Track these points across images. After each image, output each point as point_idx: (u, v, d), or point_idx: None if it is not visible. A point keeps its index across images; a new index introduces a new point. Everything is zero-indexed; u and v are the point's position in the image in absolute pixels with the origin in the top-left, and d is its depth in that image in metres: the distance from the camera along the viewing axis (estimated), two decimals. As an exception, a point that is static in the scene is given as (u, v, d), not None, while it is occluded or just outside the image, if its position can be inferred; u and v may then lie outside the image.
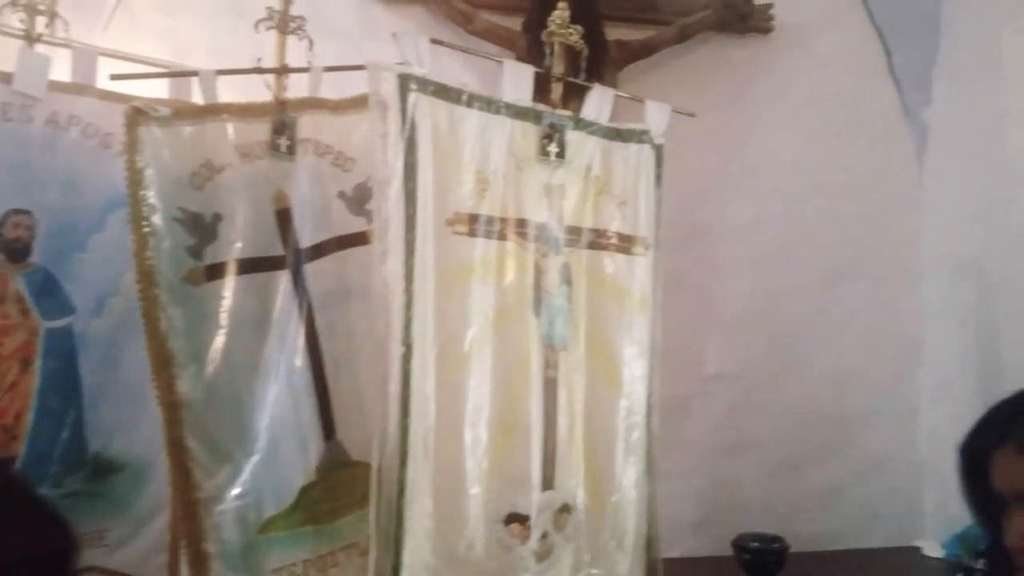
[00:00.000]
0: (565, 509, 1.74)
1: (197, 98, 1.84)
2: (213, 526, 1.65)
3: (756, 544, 2.32)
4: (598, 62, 2.43)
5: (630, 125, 1.93)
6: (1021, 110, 2.45)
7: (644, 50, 2.59)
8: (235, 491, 1.67)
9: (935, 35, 2.72)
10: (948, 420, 2.54)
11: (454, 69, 2.05)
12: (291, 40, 1.84)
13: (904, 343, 2.77)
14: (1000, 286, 2.44)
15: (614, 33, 2.54)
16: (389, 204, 1.51)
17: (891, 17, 2.72)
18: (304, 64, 1.84)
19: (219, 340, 1.70)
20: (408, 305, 1.50)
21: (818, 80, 2.72)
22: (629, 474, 1.84)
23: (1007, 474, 0.93)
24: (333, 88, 1.87)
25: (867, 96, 2.75)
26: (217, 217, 1.74)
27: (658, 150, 1.95)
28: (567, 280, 1.79)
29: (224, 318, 1.70)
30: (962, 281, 2.58)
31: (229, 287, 1.72)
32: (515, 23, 2.48)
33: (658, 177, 1.94)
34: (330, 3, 2.44)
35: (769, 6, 2.66)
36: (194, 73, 1.86)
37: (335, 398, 1.78)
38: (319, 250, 1.80)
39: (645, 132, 1.94)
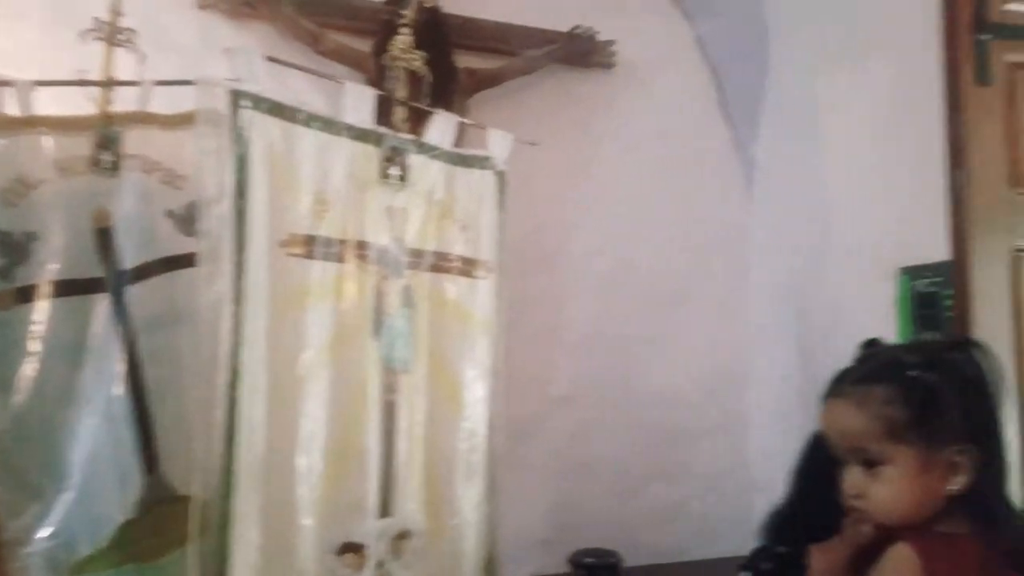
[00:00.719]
0: (404, 535, 1.72)
1: (14, 110, 1.71)
2: (19, 570, 1.53)
3: (591, 559, 2.39)
4: (448, 88, 2.48)
5: (473, 151, 1.97)
6: (839, 147, 2.68)
7: (492, 79, 2.65)
8: (44, 531, 1.56)
9: (763, 74, 2.94)
10: (775, 436, 2.72)
11: (302, 90, 2.01)
12: (129, 55, 1.75)
13: (734, 365, 2.95)
14: (817, 312, 2.65)
15: (464, 61, 2.58)
16: (217, 223, 1.47)
17: (723, 57, 2.92)
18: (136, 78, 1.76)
19: (29, 368, 1.58)
20: (236, 329, 1.45)
21: (656, 115, 2.87)
22: (470, 496, 1.85)
23: (827, 418, 1.10)
24: (171, 104, 1.79)
25: (701, 131, 2.93)
26: (30, 236, 1.63)
27: (500, 176, 2.00)
28: (409, 303, 1.79)
29: (35, 344, 1.59)
30: (783, 307, 2.78)
31: (42, 311, 1.61)
32: (365, 45, 2.48)
33: (500, 203, 1.99)
34: (172, 17, 2.35)
35: (611, 43, 2.79)
36: (8, 83, 1.73)
37: (160, 429, 1.68)
38: (144, 271, 1.70)
39: (487, 159, 1.98)
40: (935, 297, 2.08)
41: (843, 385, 1.08)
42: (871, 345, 1.15)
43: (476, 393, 1.88)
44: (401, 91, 1.88)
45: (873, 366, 1.09)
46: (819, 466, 1.16)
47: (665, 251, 2.87)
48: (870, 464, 1.02)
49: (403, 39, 1.90)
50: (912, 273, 2.22)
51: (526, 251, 2.45)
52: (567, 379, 2.77)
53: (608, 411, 2.78)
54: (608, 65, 2.80)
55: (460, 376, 1.87)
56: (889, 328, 2.35)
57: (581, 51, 2.74)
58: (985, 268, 1.82)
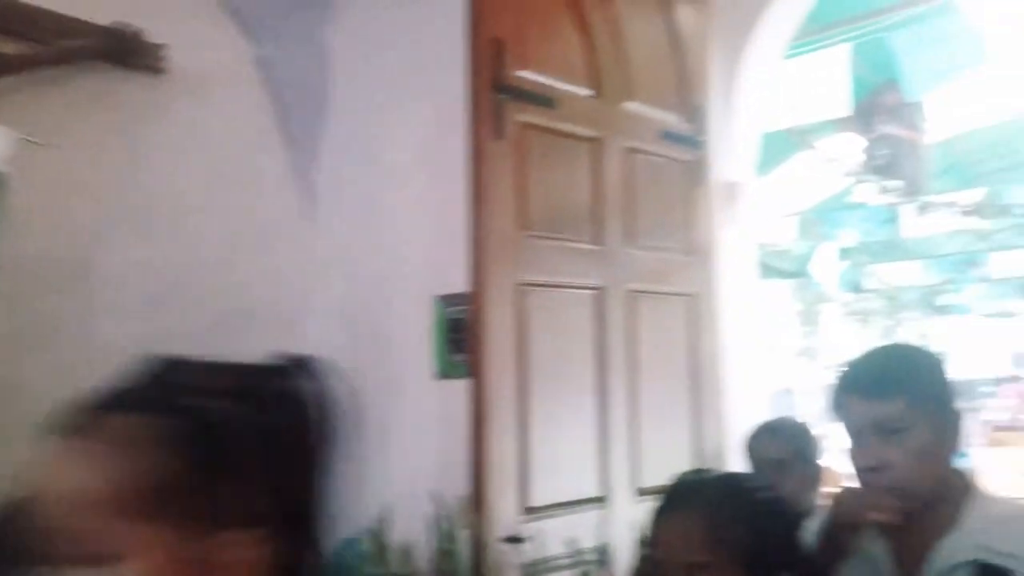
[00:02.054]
0: None
1: None
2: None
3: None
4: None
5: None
6: (392, 181, 2.85)
7: (15, 66, 2.29)
8: None
9: (325, 102, 3.01)
10: (339, 463, 2.77)
11: None
12: None
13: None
14: (371, 337, 2.78)
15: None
16: None
17: (283, 80, 2.92)
18: None
19: None
20: None
21: (211, 128, 2.75)
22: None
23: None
24: None
25: (259, 151, 2.89)
26: None
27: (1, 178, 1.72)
28: None
29: None
30: (342, 331, 2.87)
31: None
32: None
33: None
34: None
35: (162, 47, 2.60)
36: None
37: None
38: None
39: (-16, 160, 1.69)
40: (462, 323, 2.32)
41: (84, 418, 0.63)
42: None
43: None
44: None
45: (138, 388, 0.66)
46: None
47: (222, 270, 2.76)
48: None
49: None
50: (445, 301, 2.46)
51: (55, 265, 2.16)
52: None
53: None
54: (158, 70, 2.60)
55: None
56: (428, 350, 2.57)
57: (124, 50, 2.50)
58: (496, 299, 2.07)
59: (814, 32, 3.91)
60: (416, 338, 2.61)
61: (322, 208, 3.01)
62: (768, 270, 9.41)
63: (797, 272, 9.59)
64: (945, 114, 6.13)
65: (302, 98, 2.92)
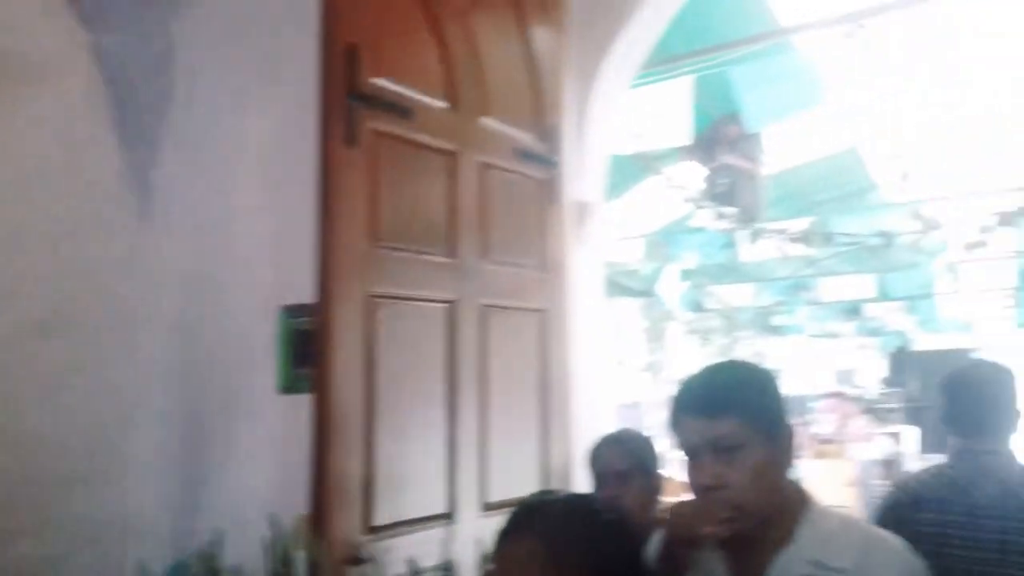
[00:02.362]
0: None
1: None
2: None
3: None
4: None
5: None
6: (237, 186, 2.72)
7: None
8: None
9: (168, 101, 2.83)
10: (161, 481, 2.59)
11: None
12: None
13: (119, 402, 2.72)
14: (208, 347, 2.63)
15: None
16: None
17: (124, 72, 2.72)
18: None
19: None
20: None
21: (36, 118, 2.51)
22: None
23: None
24: None
25: (90, 147, 2.66)
26: None
27: None
28: None
29: None
30: (174, 340, 2.69)
31: None
32: None
33: None
34: None
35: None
36: None
37: None
38: None
39: None
40: (307, 336, 2.23)
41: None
42: None
43: None
44: None
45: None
46: None
47: (40, 273, 2.51)
48: None
49: None
50: (290, 312, 2.36)
51: None
52: None
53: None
54: (-27, 51, 2.36)
55: None
56: (271, 362, 2.46)
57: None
58: (344, 311, 2.01)
59: (661, 63, 4.10)
60: (260, 351, 2.49)
61: (160, 211, 2.81)
62: (617, 288, 9.77)
63: (644, 291, 10.02)
64: (781, 147, 6.62)
65: (143, 93, 2.73)
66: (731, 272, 10.58)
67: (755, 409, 1.31)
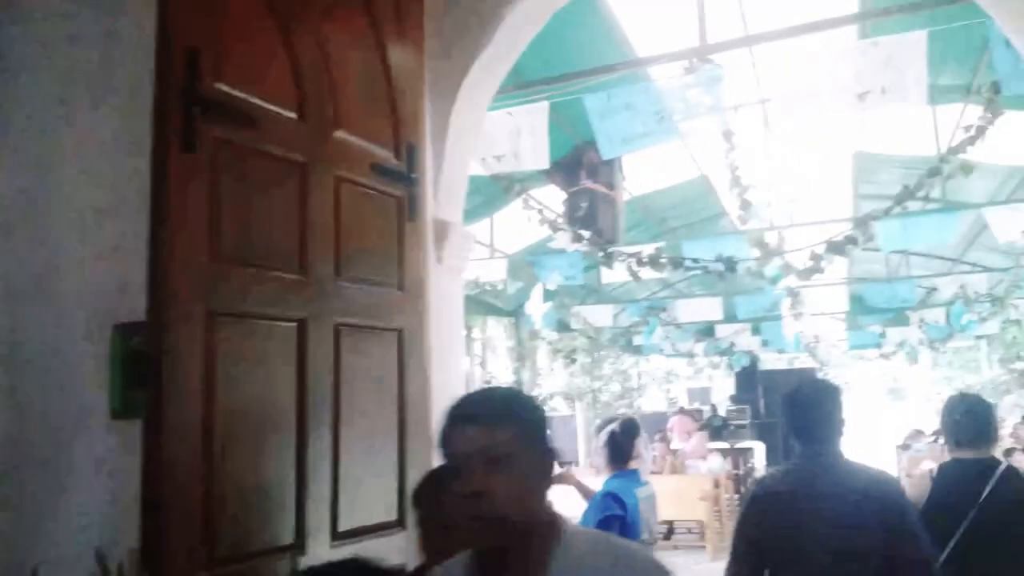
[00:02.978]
0: None
1: None
2: None
3: None
4: None
5: None
6: (69, 195, 2.50)
7: None
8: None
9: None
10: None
11: None
12: None
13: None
14: (33, 372, 2.39)
15: None
16: None
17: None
18: None
19: None
20: None
21: None
22: None
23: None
24: None
25: None
26: None
27: None
28: None
29: None
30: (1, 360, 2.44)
31: None
32: None
33: None
34: None
35: None
36: None
37: None
38: None
39: None
40: (144, 355, 2.07)
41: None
42: None
43: None
44: None
45: None
46: None
47: None
48: None
49: None
50: (124, 330, 2.19)
51: None
52: None
53: None
54: None
55: None
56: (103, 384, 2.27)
57: None
58: (182, 329, 1.88)
59: (520, 86, 4.19)
60: (93, 371, 2.29)
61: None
62: (484, 308, 9.84)
63: (511, 311, 10.13)
64: (640, 173, 6.91)
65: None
66: (593, 293, 10.90)
67: (527, 425, 1.38)
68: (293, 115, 2.24)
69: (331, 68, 2.39)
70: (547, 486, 1.41)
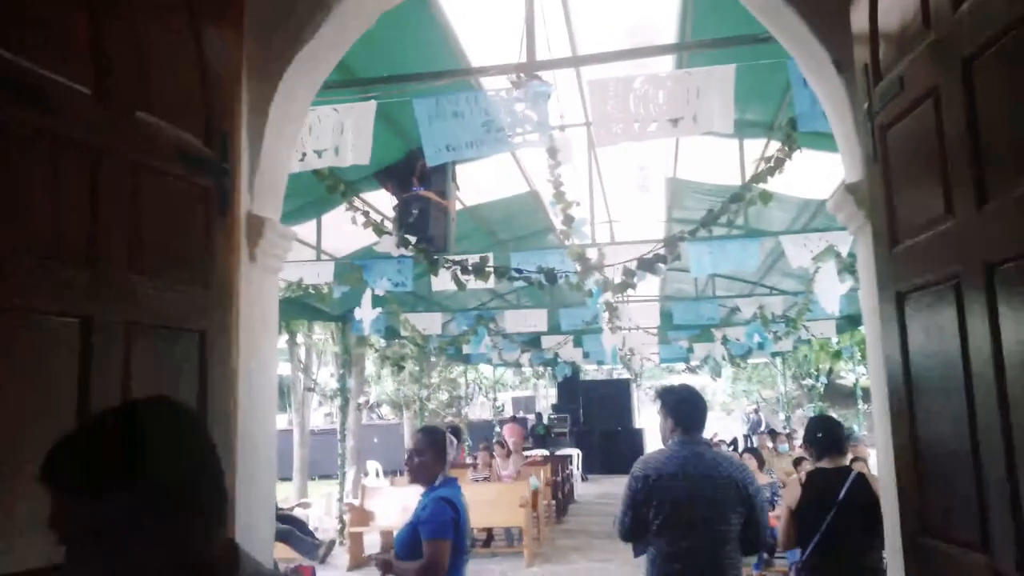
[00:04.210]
0: None
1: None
2: None
3: None
4: None
5: None
6: None
7: None
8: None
9: None
10: None
11: None
12: None
13: None
14: None
15: None
16: None
17: None
18: None
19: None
20: None
21: None
22: None
23: None
24: None
25: None
26: None
27: None
28: None
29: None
30: None
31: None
32: None
33: None
34: None
35: None
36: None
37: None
38: None
39: None
40: None
41: None
42: None
43: None
44: None
45: None
46: None
47: None
48: None
49: None
50: None
51: None
52: None
53: None
54: None
55: None
56: None
57: None
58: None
59: (347, 84, 4.08)
60: None
61: None
62: (310, 312, 9.51)
63: (338, 316, 9.86)
64: (474, 183, 6.95)
65: None
66: (423, 301, 10.85)
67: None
68: (85, 90, 2.02)
69: (139, 47, 2.20)
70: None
